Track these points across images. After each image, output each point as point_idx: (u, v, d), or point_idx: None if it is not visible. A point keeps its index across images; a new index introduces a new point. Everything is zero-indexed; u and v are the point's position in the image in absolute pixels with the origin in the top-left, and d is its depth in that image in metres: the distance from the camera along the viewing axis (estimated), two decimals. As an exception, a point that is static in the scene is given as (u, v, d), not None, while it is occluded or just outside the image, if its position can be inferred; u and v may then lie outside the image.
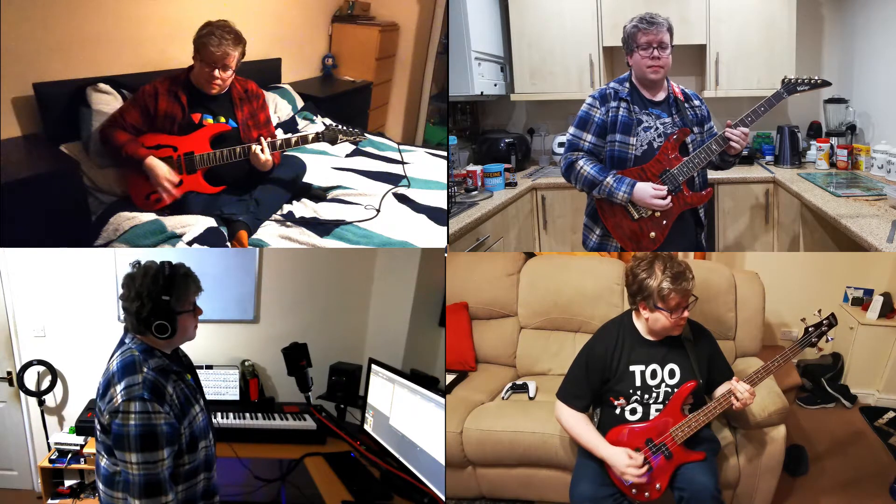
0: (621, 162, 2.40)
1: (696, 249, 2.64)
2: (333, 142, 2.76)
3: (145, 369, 1.57)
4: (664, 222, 2.41)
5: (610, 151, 2.42)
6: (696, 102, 2.50)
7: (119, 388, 1.53)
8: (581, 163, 2.43)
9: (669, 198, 2.35)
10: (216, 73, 2.56)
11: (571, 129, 2.48)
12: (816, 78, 2.34)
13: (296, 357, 2.14)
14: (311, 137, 2.73)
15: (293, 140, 2.72)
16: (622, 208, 2.42)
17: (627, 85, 2.42)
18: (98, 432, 1.60)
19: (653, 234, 2.43)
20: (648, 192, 2.34)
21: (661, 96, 2.44)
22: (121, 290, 1.66)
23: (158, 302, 1.60)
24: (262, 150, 2.61)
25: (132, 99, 2.67)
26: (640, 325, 2.17)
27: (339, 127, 2.80)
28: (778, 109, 4.03)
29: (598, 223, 2.52)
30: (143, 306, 1.61)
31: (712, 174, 3.66)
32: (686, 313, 2.06)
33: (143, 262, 1.67)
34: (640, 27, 2.32)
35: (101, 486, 1.62)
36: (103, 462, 1.60)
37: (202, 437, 1.72)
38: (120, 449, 1.51)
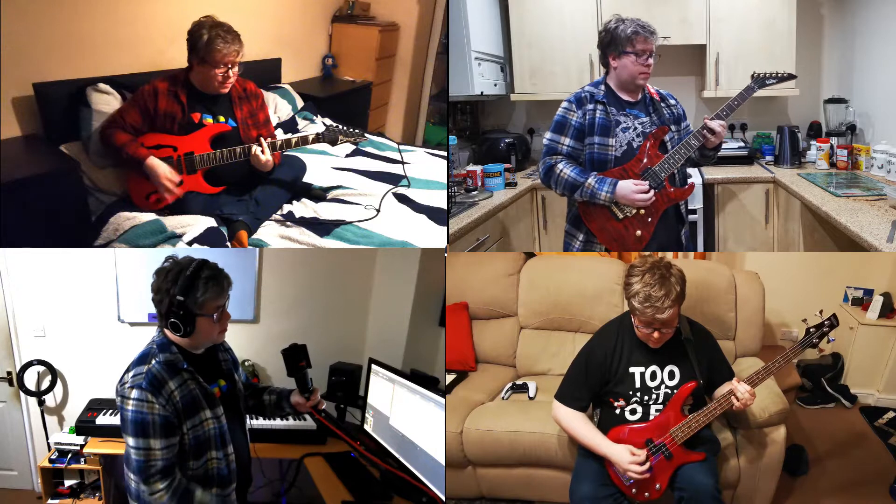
0: (601, 164, 2.38)
1: (678, 248, 2.60)
2: (334, 143, 2.76)
3: (153, 361, 1.64)
4: (649, 220, 2.39)
5: (589, 154, 2.39)
6: (672, 102, 2.50)
7: (128, 375, 1.64)
8: (560, 166, 2.39)
9: (652, 192, 2.34)
10: (229, 73, 2.57)
11: (548, 134, 2.45)
12: (783, 72, 2.38)
13: (295, 358, 2.14)
14: (311, 138, 2.73)
15: (293, 141, 2.72)
16: (606, 209, 2.40)
17: (603, 87, 2.41)
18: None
19: (638, 232, 2.40)
20: (630, 188, 2.32)
21: (637, 97, 2.43)
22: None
23: (174, 301, 1.63)
24: (262, 151, 2.61)
25: (132, 99, 2.67)
26: (635, 327, 2.17)
27: (340, 127, 2.80)
28: (778, 109, 4.09)
29: (582, 228, 2.48)
30: (161, 303, 1.66)
31: (712, 174, 3.68)
32: (656, 335, 2.05)
33: (178, 258, 1.70)
34: (641, 34, 2.30)
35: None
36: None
37: (212, 448, 1.72)
38: (123, 431, 1.63)
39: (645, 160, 2.35)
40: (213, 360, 1.85)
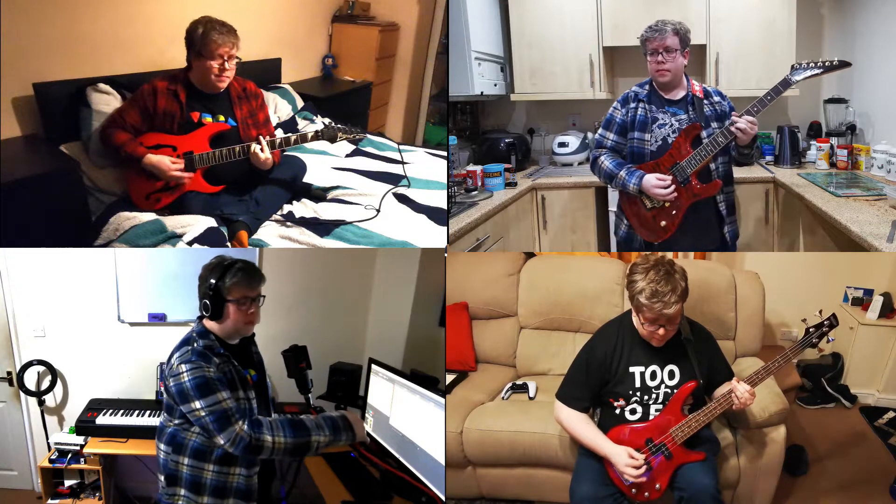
0: (640, 157, 2.59)
1: (719, 246, 2.71)
2: (333, 140, 2.76)
3: (195, 344, 1.81)
4: (674, 212, 2.56)
5: (630, 148, 2.62)
6: (717, 99, 2.61)
7: (175, 356, 1.79)
8: (602, 158, 2.66)
9: (673, 188, 2.49)
10: (225, 65, 2.57)
11: (599, 130, 2.73)
12: (835, 60, 2.39)
13: (295, 360, 2.14)
14: (310, 136, 2.73)
15: (292, 139, 2.72)
16: (638, 199, 2.61)
17: (647, 87, 2.60)
18: (165, 397, 1.85)
19: (663, 223, 2.58)
20: (652, 182, 2.50)
21: (678, 95, 2.58)
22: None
23: (209, 286, 1.83)
24: (261, 149, 2.61)
25: (131, 99, 2.67)
26: (638, 325, 2.17)
27: (339, 125, 2.80)
28: (778, 109, 4.08)
29: (625, 214, 2.70)
30: (200, 288, 1.87)
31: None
32: (661, 331, 2.05)
33: (225, 257, 1.91)
34: (647, 35, 2.51)
35: (161, 445, 1.85)
36: (169, 426, 1.83)
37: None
38: (185, 402, 1.73)
39: (675, 156, 2.50)
40: (246, 351, 1.98)
